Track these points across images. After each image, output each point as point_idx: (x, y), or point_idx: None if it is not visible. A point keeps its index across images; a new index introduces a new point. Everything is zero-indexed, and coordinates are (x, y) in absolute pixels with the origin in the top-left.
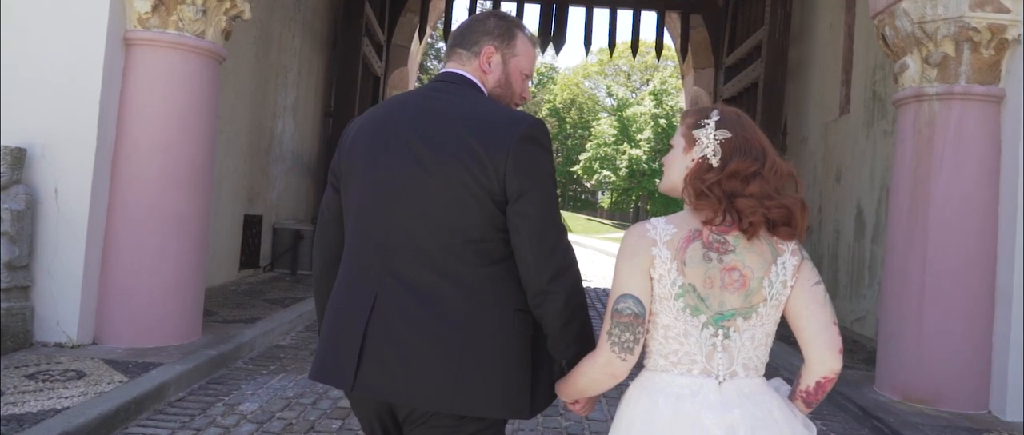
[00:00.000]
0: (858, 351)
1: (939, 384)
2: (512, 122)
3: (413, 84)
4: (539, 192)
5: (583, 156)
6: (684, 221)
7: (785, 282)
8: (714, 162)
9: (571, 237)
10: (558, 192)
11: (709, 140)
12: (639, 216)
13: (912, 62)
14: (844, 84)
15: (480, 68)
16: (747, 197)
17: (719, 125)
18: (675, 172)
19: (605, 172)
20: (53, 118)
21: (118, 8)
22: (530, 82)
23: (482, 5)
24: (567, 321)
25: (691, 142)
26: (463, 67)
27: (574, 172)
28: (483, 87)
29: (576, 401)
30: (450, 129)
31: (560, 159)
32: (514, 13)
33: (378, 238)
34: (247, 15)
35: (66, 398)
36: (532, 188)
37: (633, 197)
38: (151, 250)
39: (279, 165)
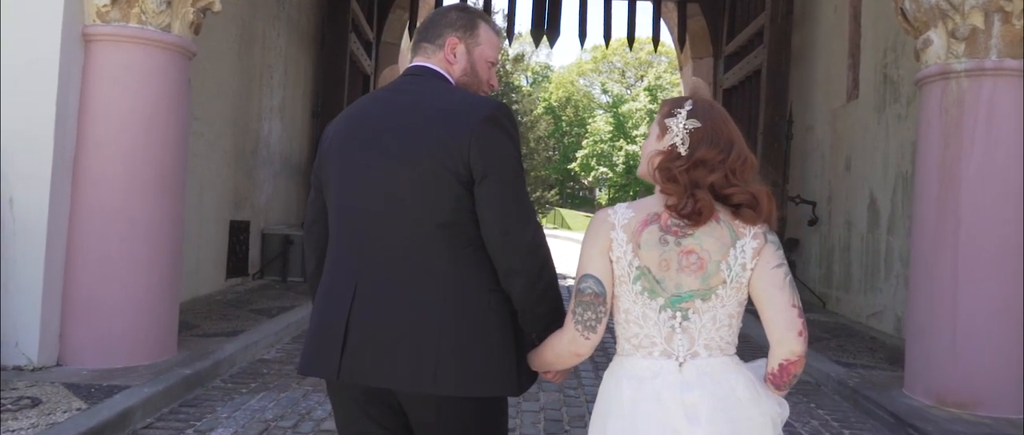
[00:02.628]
0: (879, 349)
1: (977, 386)
2: (475, 105)
3: None
4: (503, 172)
5: (580, 153)
6: (646, 206)
7: (744, 265)
8: (683, 150)
9: (570, 234)
10: (556, 189)
11: (679, 129)
12: None
13: (936, 37)
14: (851, 69)
15: (445, 59)
16: (704, 188)
17: (690, 115)
18: (647, 158)
19: (602, 169)
20: (6, 123)
21: (74, 2)
22: (495, 68)
23: (474, 1)
24: (537, 299)
25: (664, 130)
26: (429, 60)
27: (571, 169)
28: (450, 78)
29: (548, 371)
30: (417, 119)
31: (557, 157)
32: (507, 7)
33: (355, 231)
34: (217, 7)
35: (13, 431)
36: (496, 168)
37: (631, 193)
38: (118, 262)
39: (267, 168)
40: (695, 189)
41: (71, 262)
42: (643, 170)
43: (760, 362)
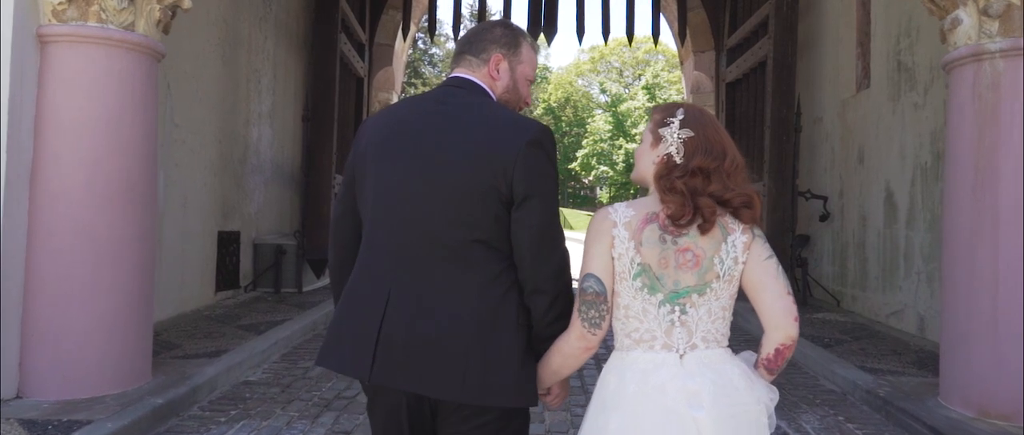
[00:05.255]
0: (904, 352)
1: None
2: (521, 128)
3: (399, 84)
4: (543, 197)
5: (580, 153)
6: (644, 205)
7: (736, 259)
8: (678, 159)
9: (572, 233)
10: (558, 190)
11: (673, 138)
12: None
13: (966, 16)
14: (861, 58)
15: (489, 75)
16: (707, 196)
17: (683, 124)
18: (643, 166)
19: (602, 167)
20: None
21: (27, 0)
22: (531, 86)
23: (470, 2)
24: (553, 319)
25: (657, 139)
26: (472, 73)
27: (572, 169)
28: (492, 93)
29: (548, 391)
30: (460, 132)
31: (558, 157)
32: (503, 7)
33: (391, 237)
34: (186, 4)
35: None
36: (537, 192)
37: (631, 191)
38: (81, 283)
39: (257, 176)
40: (697, 197)
41: (30, 284)
42: (637, 175)
43: (746, 354)
